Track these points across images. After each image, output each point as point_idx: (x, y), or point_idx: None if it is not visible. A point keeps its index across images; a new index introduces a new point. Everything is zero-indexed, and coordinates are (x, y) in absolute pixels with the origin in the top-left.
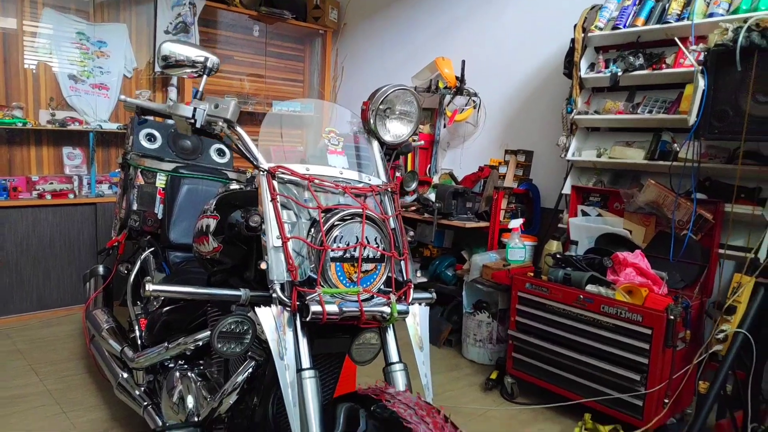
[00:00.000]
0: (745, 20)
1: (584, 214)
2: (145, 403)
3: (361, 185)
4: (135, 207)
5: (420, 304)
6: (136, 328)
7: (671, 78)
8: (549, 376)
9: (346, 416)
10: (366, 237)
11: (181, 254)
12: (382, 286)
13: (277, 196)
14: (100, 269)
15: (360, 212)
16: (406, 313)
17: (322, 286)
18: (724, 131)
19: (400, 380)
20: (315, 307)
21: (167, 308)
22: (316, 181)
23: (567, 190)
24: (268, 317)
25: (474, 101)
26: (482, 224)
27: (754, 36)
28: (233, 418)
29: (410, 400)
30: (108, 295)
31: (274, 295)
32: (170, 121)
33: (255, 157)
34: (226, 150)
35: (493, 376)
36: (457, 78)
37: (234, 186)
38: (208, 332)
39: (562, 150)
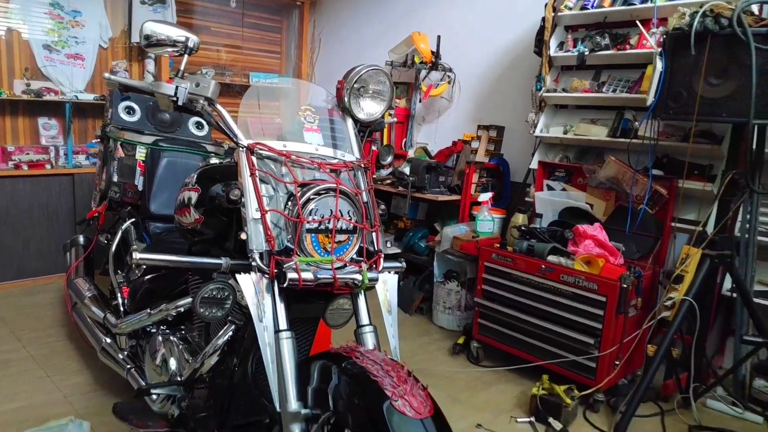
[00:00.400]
0: (702, 5)
1: (550, 188)
2: (129, 366)
3: (335, 161)
4: (115, 179)
5: (390, 272)
6: (119, 295)
7: (634, 58)
8: (511, 340)
9: (319, 372)
10: (339, 210)
11: (161, 225)
12: (354, 256)
13: (256, 171)
14: (81, 239)
15: (334, 187)
16: (376, 280)
17: (299, 255)
18: (679, 111)
19: (369, 340)
20: (292, 275)
21: (149, 276)
22: (293, 157)
23: (534, 165)
24: (248, 283)
25: (449, 77)
26: (454, 197)
27: (708, 21)
28: (214, 378)
29: (377, 357)
30: (89, 264)
31: (253, 263)
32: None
33: (234, 134)
34: (205, 123)
35: (460, 341)
36: (432, 53)
37: (214, 160)
38: (190, 299)
39: (531, 126)
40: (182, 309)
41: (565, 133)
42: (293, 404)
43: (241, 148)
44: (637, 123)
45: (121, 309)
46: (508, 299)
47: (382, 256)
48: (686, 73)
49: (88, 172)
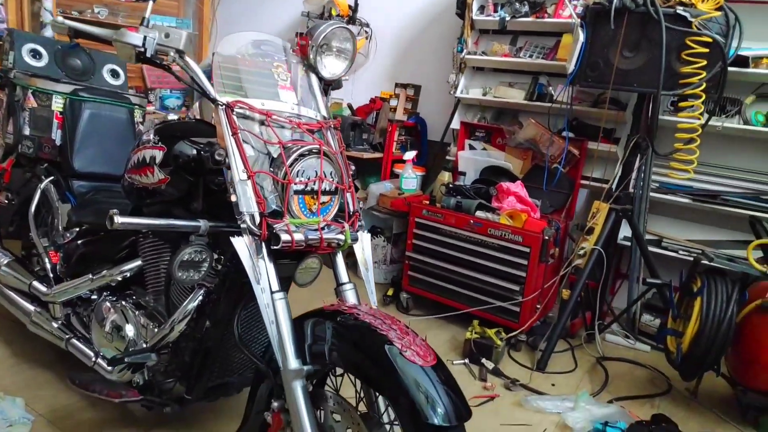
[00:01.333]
0: None
1: (471, 147)
2: (68, 336)
3: (303, 120)
4: (27, 132)
5: (363, 231)
6: (46, 260)
7: (550, 27)
8: (441, 290)
9: (312, 330)
10: (324, 171)
11: (86, 183)
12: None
13: (239, 132)
14: None
15: (317, 148)
16: (356, 239)
17: (288, 217)
18: (596, 80)
19: (351, 297)
20: (285, 236)
21: (84, 240)
22: (274, 116)
23: (456, 125)
24: (242, 246)
25: (366, 32)
26: (377, 155)
27: None
28: (178, 343)
29: (374, 311)
30: None
31: (243, 225)
32: (49, 34)
33: (209, 91)
34: (120, 71)
35: (390, 292)
36: (349, 7)
37: (172, 116)
38: (139, 262)
39: (451, 87)
40: (129, 273)
41: (485, 95)
42: (293, 362)
43: (220, 106)
44: (551, 88)
45: (51, 275)
46: (438, 252)
47: (359, 215)
48: (604, 46)
49: None
